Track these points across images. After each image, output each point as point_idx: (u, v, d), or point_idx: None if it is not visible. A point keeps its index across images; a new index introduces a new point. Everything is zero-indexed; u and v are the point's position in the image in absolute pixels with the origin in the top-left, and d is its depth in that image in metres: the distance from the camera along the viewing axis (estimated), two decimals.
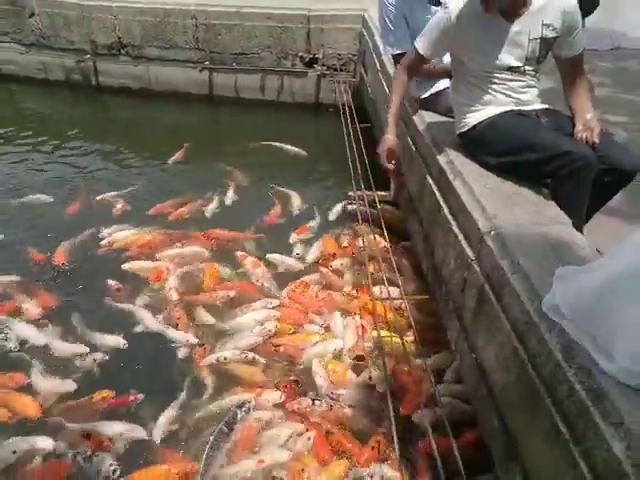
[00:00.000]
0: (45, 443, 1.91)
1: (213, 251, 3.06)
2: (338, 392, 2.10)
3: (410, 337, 2.26)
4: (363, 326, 2.39)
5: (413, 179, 2.68)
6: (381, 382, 2.05)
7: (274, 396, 2.09)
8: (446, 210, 2.06)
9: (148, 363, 2.32)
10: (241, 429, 1.96)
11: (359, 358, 2.25)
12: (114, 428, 1.97)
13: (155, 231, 3.24)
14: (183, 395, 2.14)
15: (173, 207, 3.52)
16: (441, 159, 2.18)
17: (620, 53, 4.78)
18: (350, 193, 3.24)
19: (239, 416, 2.00)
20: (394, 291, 2.47)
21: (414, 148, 2.64)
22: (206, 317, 2.55)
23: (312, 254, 3.01)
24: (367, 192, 3.11)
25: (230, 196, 3.70)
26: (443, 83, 2.56)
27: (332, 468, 1.82)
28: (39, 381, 2.19)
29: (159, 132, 5.27)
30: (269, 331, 2.41)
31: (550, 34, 1.89)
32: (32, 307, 2.57)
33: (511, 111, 1.98)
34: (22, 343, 2.38)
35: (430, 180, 2.30)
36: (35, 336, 2.40)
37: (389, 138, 2.19)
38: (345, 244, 3.06)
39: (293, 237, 3.18)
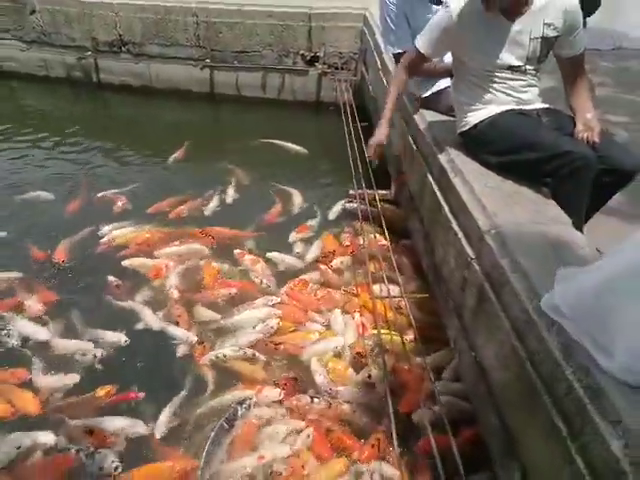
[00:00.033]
0: (48, 438, 1.92)
1: (213, 249, 3.06)
2: (336, 389, 2.11)
3: (410, 335, 2.26)
4: (363, 324, 2.40)
5: (414, 178, 2.69)
6: (381, 380, 2.06)
7: (273, 393, 2.09)
8: (446, 209, 2.07)
9: (149, 360, 2.32)
10: (241, 425, 1.97)
11: (359, 356, 2.26)
12: (116, 423, 1.98)
13: (154, 229, 3.24)
14: (184, 392, 2.15)
15: (173, 205, 3.52)
16: (442, 158, 2.18)
17: (621, 53, 4.78)
18: (351, 191, 3.24)
19: (239, 413, 2.01)
20: (394, 289, 2.47)
21: (415, 147, 2.65)
22: (206, 314, 2.56)
23: (312, 252, 3.01)
24: (368, 190, 3.11)
25: (231, 194, 3.70)
26: (444, 82, 2.56)
27: (332, 465, 1.83)
28: (40, 377, 2.20)
29: (160, 130, 5.27)
30: (271, 328, 2.42)
31: (551, 33, 1.89)
32: (34, 303, 2.58)
33: (512, 110, 1.99)
34: (24, 339, 2.39)
35: (431, 179, 2.30)
36: (37, 332, 2.41)
37: (380, 133, 2.28)
38: (346, 242, 3.07)
39: (293, 236, 3.18)
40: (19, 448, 1.88)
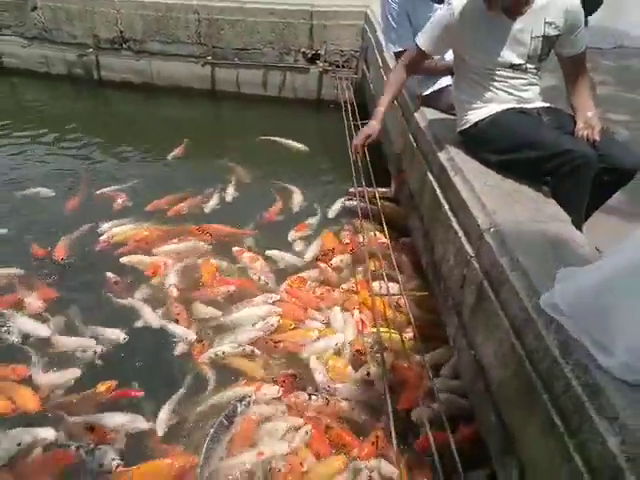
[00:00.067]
0: (48, 434, 1.93)
1: (212, 245, 3.06)
2: (335, 386, 2.11)
3: (409, 333, 2.26)
4: (362, 322, 2.40)
5: (414, 176, 2.69)
6: (380, 378, 2.06)
7: (272, 390, 2.10)
8: (446, 207, 2.07)
9: (149, 357, 2.33)
10: (241, 422, 1.98)
11: (358, 353, 2.26)
12: (116, 420, 1.99)
13: (153, 226, 3.24)
14: (183, 389, 2.15)
15: (173, 202, 3.52)
16: (442, 156, 2.18)
17: (623, 52, 4.77)
18: (351, 189, 3.24)
19: (239, 409, 2.02)
20: (394, 287, 2.47)
21: (415, 145, 2.65)
22: (206, 312, 2.56)
23: (312, 250, 3.01)
24: (368, 188, 3.11)
25: (231, 192, 3.70)
26: (445, 80, 2.56)
27: (331, 462, 1.83)
28: (40, 374, 2.20)
29: (160, 127, 5.26)
30: (271, 326, 2.42)
31: (552, 32, 1.89)
32: (34, 300, 2.58)
33: (513, 109, 1.99)
34: (24, 336, 2.39)
35: (431, 177, 2.30)
36: (37, 329, 2.42)
37: (372, 124, 2.29)
38: (345, 240, 3.07)
39: (292, 234, 3.18)
40: (19, 445, 1.89)
